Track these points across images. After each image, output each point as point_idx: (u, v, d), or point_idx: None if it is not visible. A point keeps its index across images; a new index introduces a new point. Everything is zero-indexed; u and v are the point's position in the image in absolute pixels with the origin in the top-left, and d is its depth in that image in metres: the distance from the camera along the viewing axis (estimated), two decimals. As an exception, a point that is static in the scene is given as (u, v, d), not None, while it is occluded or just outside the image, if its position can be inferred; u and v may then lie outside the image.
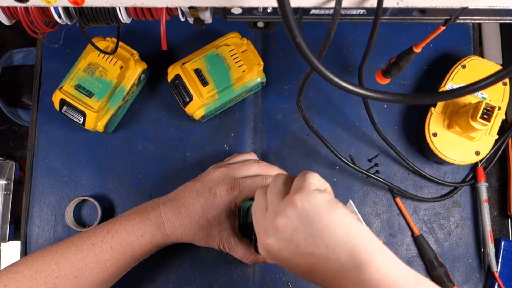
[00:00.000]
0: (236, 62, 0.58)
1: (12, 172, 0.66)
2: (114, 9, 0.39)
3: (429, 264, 0.60)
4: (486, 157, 0.61)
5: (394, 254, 0.35)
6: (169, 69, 0.59)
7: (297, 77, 0.65)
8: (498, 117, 0.58)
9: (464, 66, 0.61)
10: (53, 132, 0.63)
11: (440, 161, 0.61)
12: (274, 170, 0.54)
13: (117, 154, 0.63)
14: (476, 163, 0.62)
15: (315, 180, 0.39)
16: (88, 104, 0.57)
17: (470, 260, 0.61)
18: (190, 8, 0.36)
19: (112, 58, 0.57)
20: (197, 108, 0.58)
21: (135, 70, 0.59)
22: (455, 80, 0.60)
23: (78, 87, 0.57)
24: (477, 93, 0.59)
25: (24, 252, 0.61)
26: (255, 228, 0.42)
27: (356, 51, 0.66)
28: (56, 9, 0.38)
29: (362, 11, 0.36)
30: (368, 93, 0.34)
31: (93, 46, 0.48)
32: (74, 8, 0.39)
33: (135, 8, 0.38)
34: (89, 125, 0.57)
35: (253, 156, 0.58)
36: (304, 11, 0.37)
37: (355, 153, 0.63)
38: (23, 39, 0.73)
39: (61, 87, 0.58)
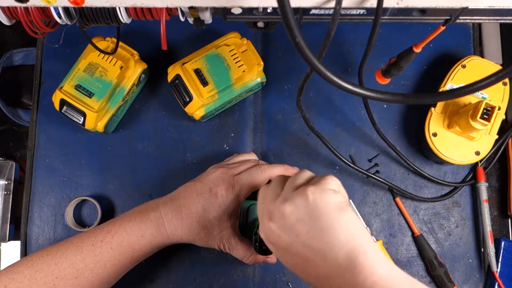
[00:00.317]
0: (236, 62, 0.58)
1: (12, 172, 0.66)
2: (114, 9, 0.39)
3: (429, 264, 0.60)
4: (486, 157, 0.61)
5: (392, 262, 0.36)
6: (169, 69, 0.59)
7: (297, 77, 0.65)
8: (498, 117, 0.58)
9: (464, 66, 0.61)
10: (53, 132, 0.63)
11: (440, 161, 0.61)
12: (274, 170, 0.54)
13: (117, 154, 0.63)
14: (476, 163, 0.62)
15: (335, 183, 0.39)
16: (88, 104, 0.57)
17: (470, 260, 0.61)
18: (190, 8, 0.36)
19: (112, 58, 0.57)
20: (197, 108, 0.58)
21: (135, 70, 0.59)
22: (455, 80, 0.60)
23: (78, 87, 0.57)
24: (477, 93, 0.59)
25: (24, 252, 0.61)
26: (260, 211, 0.42)
27: (356, 51, 0.66)
28: (56, 9, 0.38)
29: (362, 11, 0.36)
30: (368, 93, 0.34)
31: (93, 46, 0.48)
32: (74, 8, 0.39)
33: (135, 8, 0.38)
34: (89, 125, 0.57)
35: (253, 156, 0.58)
36: (304, 11, 0.37)
37: (355, 153, 0.63)
38: (23, 39, 0.73)
39: (61, 87, 0.58)
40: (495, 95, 0.60)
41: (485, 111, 0.54)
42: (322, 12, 0.36)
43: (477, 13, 0.38)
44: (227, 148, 0.63)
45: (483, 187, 0.61)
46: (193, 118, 0.60)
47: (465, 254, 0.61)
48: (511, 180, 0.63)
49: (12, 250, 0.66)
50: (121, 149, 0.63)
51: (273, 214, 0.39)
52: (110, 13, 0.39)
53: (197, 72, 0.58)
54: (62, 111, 0.57)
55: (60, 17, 0.38)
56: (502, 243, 0.60)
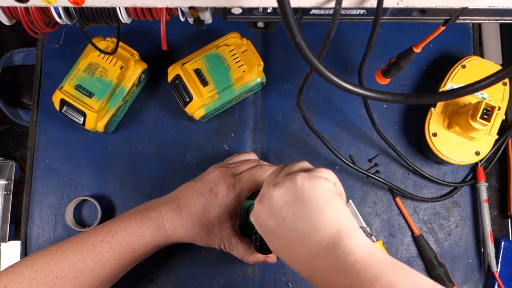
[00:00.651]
0: (236, 62, 0.58)
1: (12, 172, 0.66)
2: (114, 9, 0.39)
3: (429, 264, 0.60)
4: (486, 157, 0.61)
5: (373, 244, 0.36)
6: (169, 69, 0.59)
7: (297, 77, 0.65)
8: (498, 117, 0.58)
9: (464, 66, 0.61)
10: (53, 132, 0.63)
11: (440, 161, 0.61)
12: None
13: (117, 154, 0.63)
14: (476, 163, 0.62)
15: (328, 174, 0.40)
16: (88, 104, 0.57)
17: (470, 260, 0.61)
18: (190, 8, 0.36)
19: (112, 58, 0.57)
20: (197, 108, 0.58)
21: (135, 70, 0.59)
22: (455, 80, 0.61)
23: (78, 87, 0.57)
24: (477, 93, 0.59)
25: (24, 252, 0.61)
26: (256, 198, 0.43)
27: (356, 51, 0.66)
28: (56, 9, 0.38)
29: (362, 11, 0.36)
30: (368, 93, 0.34)
31: (93, 46, 0.48)
32: (74, 8, 0.39)
33: (135, 8, 0.38)
34: (89, 125, 0.57)
35: (253, 156, 0.58)
36: (304, 11, 0.37)
37: (355, 153, 0.63)
38: (23, 39, 0.73)
39: (61, 87, 0.58)
40: (495, 95, 0.60)
41: (485, 111, 0.54)
42: (322, 12, 0.36)
43: (477, 13, 0.38)
44: (227, 148, 0.63)
45: (483, 187, 0.61)
46: (193, 118, 0.60)
47: (465, 254, 0.61)
48: (511, 180, 0.63)
49: (12, 250, 0.66)
50: (121, 149, 0.63)
51: (263, 197, 0.40)
52: (110, 13, 0.39)
53: (197, 72, 0.58)
54: (62, 111, 0.57)
55: (60, 17, 0.38)
56: (502, 243, 0.60)
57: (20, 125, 0.70)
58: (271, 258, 0.53)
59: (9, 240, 0.65)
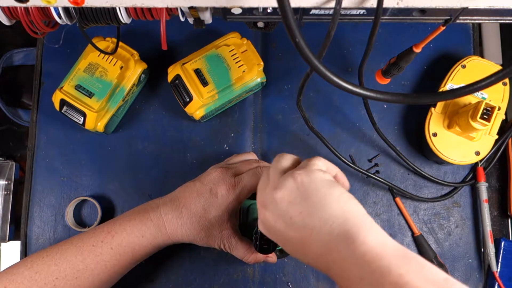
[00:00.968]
0: (236, 62, 0.58)
1: (12, 172, 0.66)
2: (114, 9, 0.39)
3: (429, 264, 0.60)
4: (486, 157, 0.61)
5: (383, 231, 0.36)
6: (169, 69, 0.59)
7: (297, 77, 0.65)
8: (498, 117, 0.58)
9: (464, 66, 0.61)
10: (53, 132, 0.63)
11: (440, 161, 0.61)
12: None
13: (117, 154, 0.63)
14: (476, 163, 0.62)
15: (321, 163, 0.41)
16: (88, 104, 0.57)
17: (470, 260, 0.61)
18: (190, 8, 0.36)
19: (112, 58, 0.57)
20: (197, 108, 0.58)
21: (135, 70, 0.59)
22: (455, 80, 0.60)
23: (78, 87, 0.57)
24: (477, 93, 0.59)
25: (24, 252, 0.61)
26: (258, 205, 0.43)
27: (356, 51, 0.66)
28: (56, 9, 0.38)
29: (362, 11, 0.36)
30: (368, 93, 0.34)
31: (93, 46, 0.48)
32: (74, 8, 0.39)
33: (135, 8, 0.38)
34: (89, 125, 0.57)
35: (253, 156, 0.58)
36: (304, 11, 0.37)
37: (355, 153, 0.63)
38: (23, 39, 0.73)
39: (61, 87, 0.58)
40: (495, 95, 0.60)
41: (485, 111, 0.54)
42: (322, 12, 0.36)
43: (477, 13, 0.38)
44: (227, 148, 0.63)
45: (483, 187, 0.61)
46: (193, 118, 0.60)
47: (465, 254, 0.61)
48: (511, 180, 0.63)
49: (12, 250, 0.66)
50: (121, 149, 0.63)
51: (266, 202, 0.40)
52: (110, 13, 0.39)
53: (197, 72, 0.58)
54: (62, 111, 0.57)
55: (60, 17, 0.38)
56: (502, 243, 0.60)
57: (20, 125, 0.70)
58: (271, 258, 0.53)
59: (9, 240, 0.65)
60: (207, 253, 0.60)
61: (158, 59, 0.63)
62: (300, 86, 0.52)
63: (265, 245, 0.50)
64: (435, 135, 0.59)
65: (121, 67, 0.57)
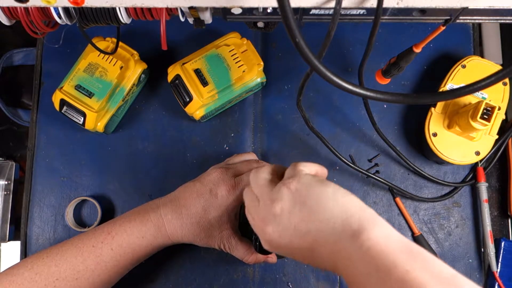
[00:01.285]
0: (236, 62, 0.58)
1: (12, 172, 0.66)
2: (114, 9, 0.39)
3: (429, 264, 0.60)
4: (486, 157, 0.61)
5: (386, 222, 0.35)
6: (169, 69, 0.59)
7: (297, 77, 0.65)
8: (498, 117, 0.58)
9: (464, 66, 0.61)
10: (53, 132, 0.63)
11: (440, 161, 0.61)
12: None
13: (117, 154, 0.63)
14: (476, 163, 0.62)
15: (306, 168, 0.41)
16: (88, 104, 0.57)
17: (470, 260, 0.61)
18: (190, 8, 0.36)
19: (112, 58, 0.57)
20: (197, 108, 0.58)
21: (135, 70, 0.59)
22: (455, 80, 0.60)
23: (78, 87, 0.57)
24: (477, 93, 0.59)
25: (24, 252, 0.61)
26: (252, 226, 0.43)
27: (356, 51, 0.66)
28: (56, 9, 0.38)
29: (362, 11, 0.36)
30: (368, 93, 0.34)
31: (93, 46, 0.48)
32: (74, 8, 0.39)
33: (135, 8, 0.38)
34: (89, 125, 0.57)
35: (253, 156, 0.58)
36: (304, 11, 0.37)
37: (355, 153, 0.63)
38: (23, 39, 0.73)
39: (61, 87, 0.58)
40: (495, 95, 0.60)
41: (485, 111, 0.54)
42: (322, 12, 0.36)
43: (477, 13, 0.38)
44: (227, 148, 0.63)
45: (483, 187, 0.61)
46: (193, 118, 0.60)
47: (465, 254, 0.61)
48: (511, 180, 0.63)
49: (12, 250, 0.65)
50: (121, 149, 0.63)
51: (266, 218, 0.40)
52: (110, 13, 0.39)
53: (197, 72, 0.58)
54: (62, 111, 0.57)
55: (60, 17, 0.38)
56: (502, 243, 0.60)
57: (20, 125, 0.70)
58: (271, 258, 0.53)
59: (9, 240, 0.65)
60: (207, 254, 0.60)
61: (158, 59, 0.63)
62: (300, 86, 0.52)
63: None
64: (435, 135, 0.59)
65: (121, 67, 0.57)
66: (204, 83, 0.57)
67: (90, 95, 0.57)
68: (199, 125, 0.63)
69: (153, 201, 0.53)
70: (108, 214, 0.62)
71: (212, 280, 0.60)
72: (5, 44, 0.73)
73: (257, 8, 0.36)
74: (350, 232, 0.34)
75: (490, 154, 0.60)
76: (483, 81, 0.31)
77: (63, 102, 0.57)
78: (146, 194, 0.62)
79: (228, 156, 0.59)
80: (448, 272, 0.31)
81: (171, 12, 0.38)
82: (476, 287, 0.30)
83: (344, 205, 0.36)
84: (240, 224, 0.54)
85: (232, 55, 0.58)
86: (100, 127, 0.58)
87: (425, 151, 0.62)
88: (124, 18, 0.40)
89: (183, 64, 0.58)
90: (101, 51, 0.49)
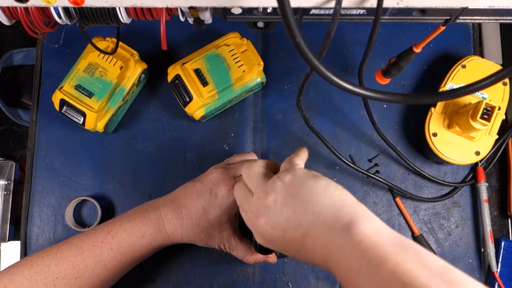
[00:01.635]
0: (236, 62, 0.58)
1: (12, 172, 0.66)
2: (114, 9, 0.39)
3: (429, 264, 0.60)
4: (486, 157, 0.61)
5: (377, 217, 0.35)
6: (169, 69, 0.59)
7: (297, 77, 0.65)
8: (498, 117, 0.58)
9: (464, 66, 0.61)
10: (53, 132, 0.63)
11: (440, 161, 0.61)
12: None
13: (117, 154, 0.63)
14: (476, 163, 0.62)
15: (301, 162, 0.42)
16: (88, 104, 0.57)
17: (470, 260, 0.61)
18: (190, 8, 0.36)
19: (112, 58, 0.57)
20: (197, 108, 0.58)
21: (135, 70, 0.59)
22: (455, 80, 0.60)
23: (78, 87, 0.57)
24: (477, 93, 0.59)
25: (24, 252, 0.61)
26: (245, 221, 0.43)
27: (356, 51, 0.66)
28: (56, 9, 0.38)
29: (362, 11, 0.36)
30: (368, 93, 0.34)
31: (93, 46, 0.48)
32: (74, 8, 0.39)
33: (135, 8, 0.38)
34: (89, 125, 0.57)
35: (253, 156, 0.58)
36: (304, 11, 0.37)
37: (355, 153, 0.63)
38: (23, 39, 0.73)
39: (61, 87, 0.58)
40: (495, 95, 0.60)
41: (485, 111, 0.54)
42: (322, 12, 0.36)
43: (477, 13, 0.38)
44: (227, 148, 0.63)
45: (483, 187, 0.61)
46: (193, 118, 0.60)
47: (465, 254, 0.61)
48: (511, 180, 0.63)
49: (12, 250, 0.66)
50: (121, 149, 0.63)
51: (258, 211, 0.40)
52: (110, 13, 0.39)
53: (197, 72, 0.58)
54: (62, 111, 0.57)
55: (60, 17, 0.38)
56: (502, 243, 0.60)
57: (20, 125, 0.70)
58: (271, 258, 0.53)
59: (9, 240, 0.65)
60: (207, 253, 0.60)
61: (158, 59, 0.63)
62: (300, 86, 0.52)
63: (265, 245, 0.50)
64: (435, 135, 0.59)
65: (121, 67, 0.57)
66: (204, 83, 0.57)
67: (90, 95, 0.57)
68: (199, 125, 0.63)
69: (153, 201, 0.53)
70: (108, 214, 0.62)
71: (212, 280, 0.60)
72: (5, 44, 0.73)
73: (257, 8, 0.36)
74: (341, 225, 0.35)
75: (490, 154, 0.60)
76: (483, 81, 0.31)
77: (63, 102, 0.57)
78: (146, 194, 0.62)
79: (228, 156, 0.59)
80: (439, 263, 0.31)
81: (171, 12, 0.38)
82: (466, 276, 0.30)
83: (336, 198, 0.37)
84: (240, 224, 0.54)
85: (232, 55, 0.58)
86: (100, 127, 0.58)
87: (425, 151, 0.62)
88: (124, 18, 0.40)
89: (183, 64, 0.58)
90: (101, 51, 0.49)
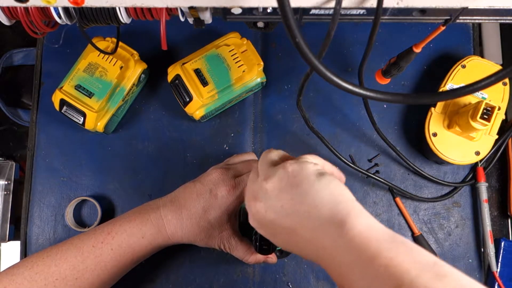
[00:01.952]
0: (236, 62, 0.58)
1: (12, 172, 0.66)
2: (114, 9, 0.39)
3: (429, 264, 0.60)
4: (486, 157, 0.61)
5: (371, 215, 0.36)
6: (169, 69, 0.59)
7: (297, 77, 0.65)
8: (498, 117, 0.58)
9: (464, 66, 0.61)
10: (53, 132, 0.63)
11: (440, 161, 0.61)
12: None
13: (117, 154, 0.63)
14: (476, 163, 0.62)
15: (312, 157, 0.42)
16: (88, 104, 0.57)
17: (470, 260, 0.61)
18: (190, 8, 0.36)
19: (112, 58, 0.57)
20: (197, 108, 0.58)
21: (135, 70, 0.59)
22: (455, 80, 0.60)
23: (78, 87, 0.57)
24: (477, 93, 0.59)
25: (24, 252, 0.61)
26: (245, 202, 0.43)
27: (356, 51, 0.66)
28: (56, 9, 0.38)
29: (362, 11, 0.36)
30: (368, 93, 0.34)
31: (93, 46, 0.48)
32: (74, 8, 0.39)
33: (135, 8, 0.38)
34: (89, 125, 0.57)
35: (253, 156, 0.58)
36: (304, 11, 0.37)
37: (355, 153, 0.63)
38: (23, 39, 0.73)
39: (61, 87, 0.58)
40: (495, 95, 0.60)
41: (485, 111, 0.54)
42: (322, 12, 0.36)
43: (477, 13, 0.38)
44: (227, 148, 0.63)
45: (483, 187, 0.61)
46: (193, 118, 0.60)
47: (465, 254, 0.61)
48: (511, 180, 0.63)
49: (12, 250, 0.66)
50: (121, 149, 0.63)
51: (257, 193, 0.40)
52: (110, 13, 0.39)
53: (197, 72, 0.58)
54: (62, 111, 0.57)
55: (60, 17, 0.38)
56: (502, 243, 0.60)
57: (20, 125, 0.70)
58: (271, 258, 0.53)
59: (9, 240, 0.65)
60: (207, 254, 0.60)
61: (158, 59, 0.63)
62: (300, 86, 0.52)
63: (265, 245, 0.50)
64: (435, 135, 0.59)
65: (121, 67, 0.57)
66: (204, 83, 0.57)
67: (90, 95, 0.57)
68: (199, 125, 0.63)
69: (153, 201, 0.53)
70: (108, 214, 0.62)
71: (212, 280, 0.60)
72: (5, 44, 0.73)
73: (257, 8, 0.36)
74: (336, 220, 0.35)
75: (490, 154, 0.60)
76: (483, 81, 0.31)
77: (63, 102, 0.57)
78: (146, 194, 0.62)
79: (228, 156, 0.59)
80: (430, 258, 0.31)
81: (171, 12, 0.38)
82: (456, 271, 0.30)
83: (335, 195, 0.37)
84: (240, 224, 0.54)
85: (232, 55, 0.58)
86: (100, 127, 0.58)
87: (425, 151, 0.62)
88: (124, 18, 0.40)
89: (183, 64, 0.58)
90: (101, 51, 0.49)
